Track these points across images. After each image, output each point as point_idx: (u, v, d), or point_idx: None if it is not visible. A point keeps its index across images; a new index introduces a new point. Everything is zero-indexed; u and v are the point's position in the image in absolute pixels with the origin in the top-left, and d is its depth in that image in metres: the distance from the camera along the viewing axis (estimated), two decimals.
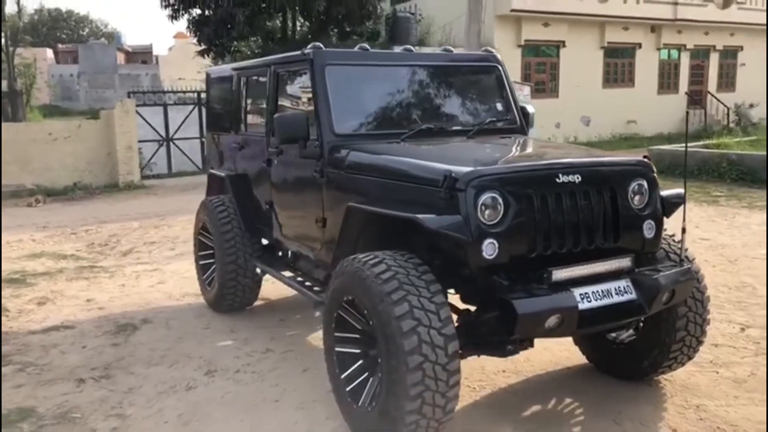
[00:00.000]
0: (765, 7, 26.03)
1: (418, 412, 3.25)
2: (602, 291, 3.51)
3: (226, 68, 6.27)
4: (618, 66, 23.79)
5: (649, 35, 24.04)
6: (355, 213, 3.96)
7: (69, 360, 4.96)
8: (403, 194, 3.74)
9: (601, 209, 3.65)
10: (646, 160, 3.95)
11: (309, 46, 4.63)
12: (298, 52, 4.72)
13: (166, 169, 17.20)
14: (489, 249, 3.36)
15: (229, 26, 17.17)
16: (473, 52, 5.16)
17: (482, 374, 4.51)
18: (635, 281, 3.62)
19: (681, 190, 4.04)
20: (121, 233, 9.78)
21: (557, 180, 3.56)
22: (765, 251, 7.58)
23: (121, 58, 51.57)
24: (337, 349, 3.83)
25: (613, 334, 4.42)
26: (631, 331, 4.35)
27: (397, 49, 5.04)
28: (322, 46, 4.60)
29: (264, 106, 5.30)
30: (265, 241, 5.75)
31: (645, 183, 3.83)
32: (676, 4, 23.54)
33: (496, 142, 4.56)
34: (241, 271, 5.58)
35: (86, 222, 10.87)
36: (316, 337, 5.32)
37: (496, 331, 3.61)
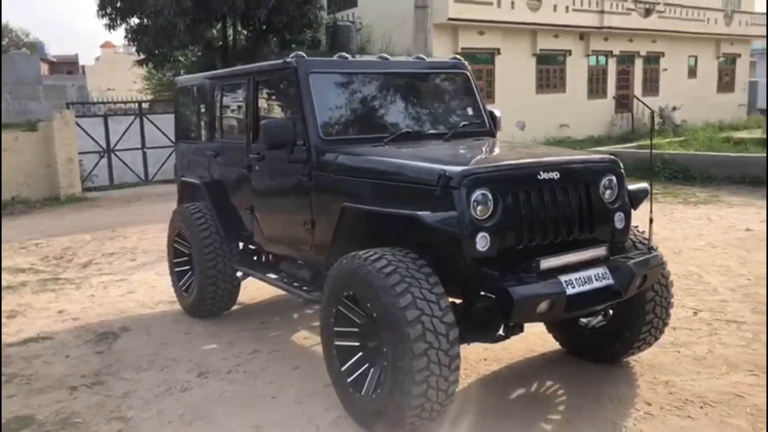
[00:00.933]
0: (682, 16, 27.54)
1: (424, 396, 3.47)
2: (584, 278, 3.81)
3: (197, 77, 6.36)
4: (550, 72, 24.70)
5: (578, 42, 25.07)
6: (351, 212, 4.15)
7: (55, 369, 4.97)
8: (397, 193, 3.96)
9: (577, 203, 3.96)
10: (614, 157, 4.31)
11: (291, 55, 4.80)
12: (280, 61, 4.89)
13: (107, 181, 16.95)
14: (482, 242, 3.63)
15: (169, 35, 17.00)
16: (444, 60, 5.42)
17: (466, 363, 4.74)
18: (611, 268, 3.94)
19: (646, 185, 4.41)
20: (75, 246, 9.64)
21: (539, 177, 3.86)
22: (700, 243, 8.16)
23: (44, 68, 49.88)
24: (336, 343, 4.00)
25: (584, 320, 4.76)
26: (600, 317, 4.71)
27: (373, 57, 5.26)
28: (304, 55, 4.79)
29: (242, 114, 5.44)
30: (241, 246, 5.88)
31: (614, 178, 4.17)
32: (602, 12, 24.65)
33: (473, 144, 4.84)
34: (220, 275, 5.68)
35: (33, 236, 10.64)
36: (300, 337, 5.49)
37: (487, 320, 3.89)
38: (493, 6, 21.69)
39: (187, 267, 6.11)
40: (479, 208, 3.65)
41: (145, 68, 21.49)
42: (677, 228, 9.08)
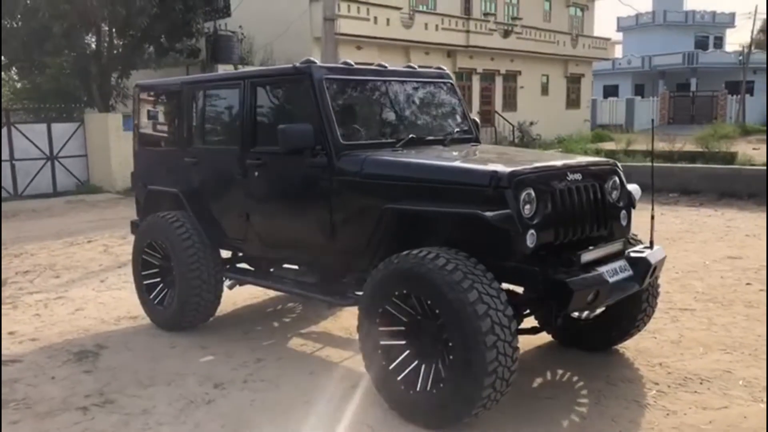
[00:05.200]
0: (536, 38, 29.61)
1: (492, 386, 3.65)
2: (613, 269, 4.17)
3: (169, 82, 6.10)
4: None
5: (447, 60, 26.25)
6: (392, 214, 4.22)
7: (48, 392, 4.58)
8: (443, 194, 4.08)
9: (595, 202, 4.32)
10: (614, 160, 4.73)
11: (301, 61, 4.80)
12: (289, 66, 4.88)
13: None
14: (530, 239, 3.87)
15: (42, 39, 15.86)
16: (431, 70, 5.61)
17: None
18: (629, 261, 4.33)
19: (637, 186, 4.86)
20: None
21: (567, 177, 4.18)
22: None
23: None
24: (382, 342, 4.07)
25: (576, 314, 5.13)
26: (587, 312, 5.09)
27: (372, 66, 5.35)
28: (316, 60, 4.81)
29: (234, 119, 5.32)
30: (225, 254, 5.74)
31: (617, 179, 4.59)
32: (468, 32, 26.04)
33: (482, 149, 5.10)
34: (205, 286, 5.48)
35: None
36: (297, 344, 5.44)
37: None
38: (371, 22, 22.27)
39: (159, 279, 5.85)
40: (527, 206, 3.89)
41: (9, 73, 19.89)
42: None
